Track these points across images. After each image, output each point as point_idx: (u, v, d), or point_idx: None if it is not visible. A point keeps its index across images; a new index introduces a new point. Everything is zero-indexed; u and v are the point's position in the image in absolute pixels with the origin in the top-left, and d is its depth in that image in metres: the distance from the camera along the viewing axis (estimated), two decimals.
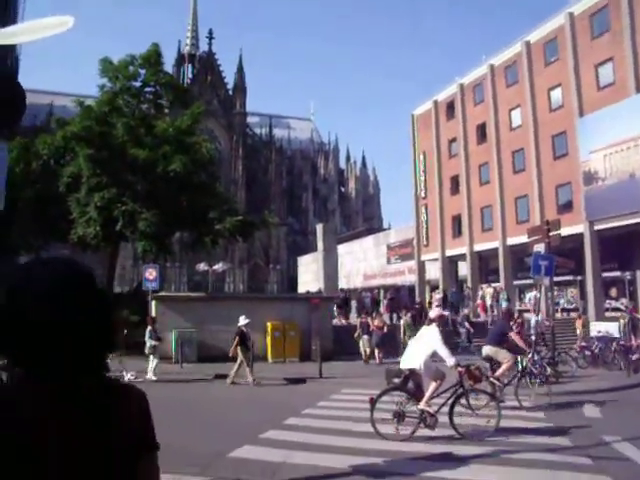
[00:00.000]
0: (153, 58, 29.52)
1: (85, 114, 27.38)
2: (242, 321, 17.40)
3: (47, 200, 27.19)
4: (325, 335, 22.63)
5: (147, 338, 18.48)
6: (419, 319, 23.62)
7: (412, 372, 9.49)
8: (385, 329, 23.07)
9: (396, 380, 9.91)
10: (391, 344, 22.12)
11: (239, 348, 16.80)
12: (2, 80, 5.82)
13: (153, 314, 21.47)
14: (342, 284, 45.42)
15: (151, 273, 22.66)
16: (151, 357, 18.12)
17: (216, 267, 51.66)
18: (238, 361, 16.82)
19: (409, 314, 24.17)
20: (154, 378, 17.40)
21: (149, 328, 18.70)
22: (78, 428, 1.31)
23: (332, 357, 21.45)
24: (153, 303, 22.52)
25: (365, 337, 22.37)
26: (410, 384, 9.57)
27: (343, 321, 29.65)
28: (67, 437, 1.29)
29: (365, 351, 22.15)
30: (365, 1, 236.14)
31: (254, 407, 12.92)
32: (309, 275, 61.24)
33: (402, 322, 23.50)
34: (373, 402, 9.34)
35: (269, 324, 22.73)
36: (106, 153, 25.95)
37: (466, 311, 29.39)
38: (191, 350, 21.54)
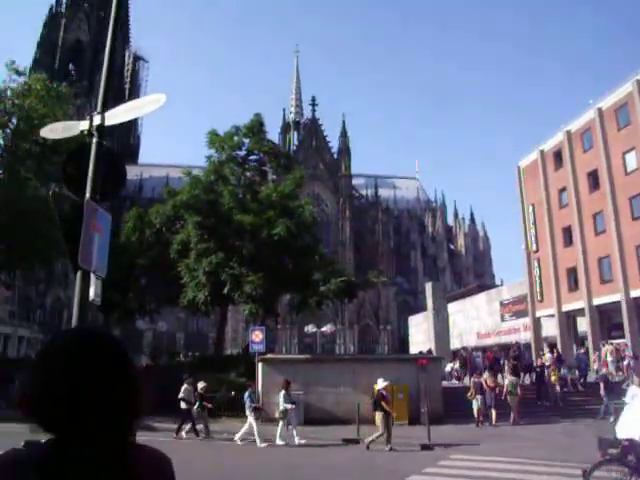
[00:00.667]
0: (256, 127, 30.85)
1: (193, 184, 28.86)
2: (381, 383, 16.80)
3: (160, 266, 28.53)
4: (435, 397, 21.79)
5: (246, 399, 18.01)
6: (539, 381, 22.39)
7: (632, 442, 8.30)
8: (497, 390, 21.99)
9: (613, 451, 8.62)
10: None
11: (378, 412, 16.15)
12: (109, 161, 6.21)
13: (259, 377, 21.50)
14: (455, 343, 43.96)
15: (257, 335, 22.91)
16: (280, 422, 17.45)
17: (324, 329, 51.83)
18: (380, 426, 16.15)
19: (512, 374, 23.17)
20: (281, 442, 16.86)
21: (248, 391, 18.34)
22: None
23: (442, 419, 20.61)
24: (260, 365, 22.68)
25: (479, 397, 21.36)
26: (631, 456, 8.35)
27: (456, 382, 28.49)
28: None
29: (478, 413, 21.12)
30: (463, 60, 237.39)
31: (354, 474, 12.44)
32: (420, 335, 59.89)
33: (506, 382, 22.37)
34: (586, 475, 8.34)
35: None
36: (213, 220, 27.02)
37: (604, 371, 27.17)
38: (297, 412, 21.36)
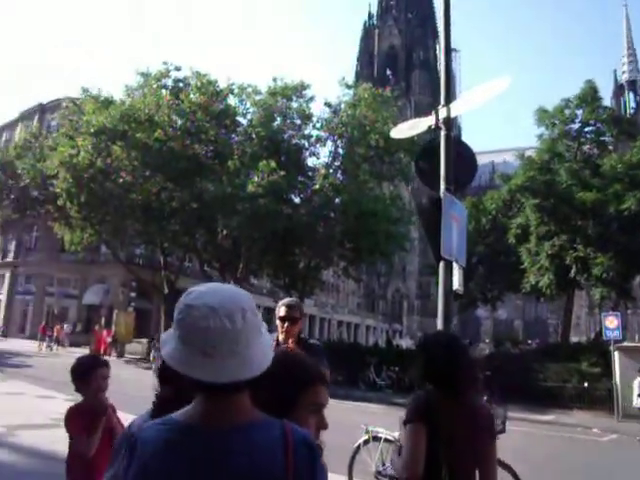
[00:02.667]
0: (589, 96, 28.40)
1: (527, 165, 27.88)
2: None
3: (498, 253, 28.23)
4: None
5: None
6: None
7: None
8: None
9: None
10: None
11: None
12: (464, 152, 6.24)
13: (617, 367, 19.57)
14: None
15: (611, 321, 20.92)
16: None
17: None
18: None
19: None
20: None
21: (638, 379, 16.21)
22: (466, 424, 2.67)
23: None
24: (616, 354, 20.72)
25: None
26: None
27: None
28: (464, 429, 2.65)
29: None
30: None
31: None
32: None
33: None
34: None
35: None
36: (552, 200, 25.69)
37: None
38: None
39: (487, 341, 57.81)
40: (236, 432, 1.37)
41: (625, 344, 22.74)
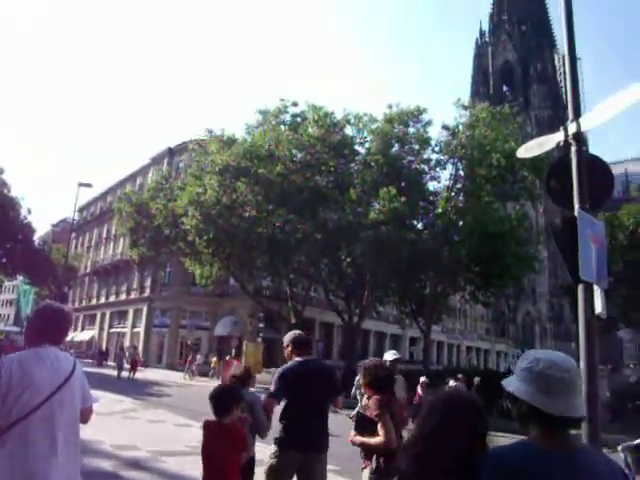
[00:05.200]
0: None
1: None
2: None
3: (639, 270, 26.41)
4: None
5: None
6: None
7: None
8: None
9: None
10: None
11: None
12: (598, 167, 5.92)
13: None
14: None
15: None
16: None
17: None
18: None
19: None
20: None
21: None
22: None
23: None
24: None
25: None
26: None
27: None
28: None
29: None
30: None
31: None
32: None
33: None
34: None
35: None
36: None
37: None
38: None
39: (632, 366, 53.82)
40: (579, 456, 1.96)
41: None
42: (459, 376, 19.42)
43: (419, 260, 26.32)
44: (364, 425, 4.24)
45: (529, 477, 1.86)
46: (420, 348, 44.78)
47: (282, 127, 31.12)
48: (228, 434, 3.89)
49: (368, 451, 4.21)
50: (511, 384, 2.03)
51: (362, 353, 39.32)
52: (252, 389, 6.51)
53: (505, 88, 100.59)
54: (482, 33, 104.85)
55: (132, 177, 57.46)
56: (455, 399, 2.27)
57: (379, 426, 4.07)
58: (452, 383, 17.60)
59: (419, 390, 18.47)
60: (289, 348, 5.19)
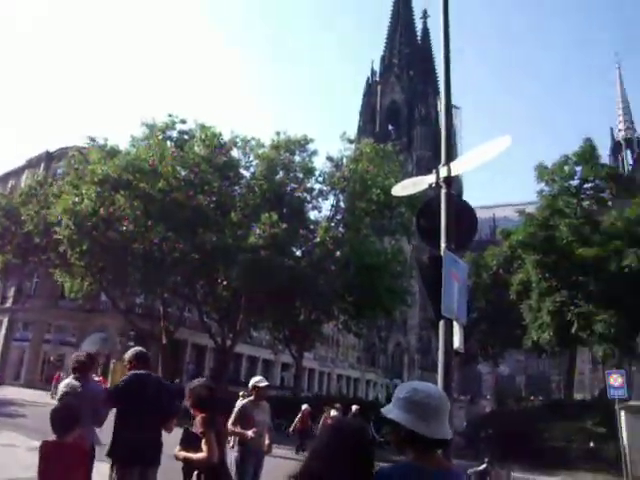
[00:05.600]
0: (588, 153, 28.87)
1: (527, 221, 28.08)
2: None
3: (499, 308, 28.13)
4: None
5: None
6: None
7: None
8: None
9: None
10: None
11: None
12: (465, 210, 6.30)
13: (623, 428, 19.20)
14: None
15: (616, 379, 20.58)
16: None
17: None
18: None
19: None
20: None
21: None
22: None
23: None
24: (622, 414, 20.32)
25: None
26: None
27: None
28: None
29: None
30: None
31: None
32: None
33: None
34: None
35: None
36: (553, 257, 25.79)
37: None
38: None
39: (489, 397, 56.99)
40: (452, 474, 2.28)
41: (631, 403, 22.31)
42: (337, 405, 19.68)
43: (295, 287, 26.55)
44: (189, 441, 4.51)
45: None
46: (292, 374, 44.91)
47: (168, 143, 30.51)
48: (70, 454, 3.69)
49: (190, 466, 4.50)
50: (391, 412, 2.20)
51: (234, 377, 38.81)
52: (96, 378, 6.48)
53: (391, 127, 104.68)
54: (373, 72, 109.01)
55: (3, 179, 53.65)
56: (345, 426, 2.46)
57: (203, 442, 4.37)
58: (333, 412, 17.86)
59: (299, 417, 18.59)
60: (132, 364, 5.35)
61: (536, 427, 22.13)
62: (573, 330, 24.48)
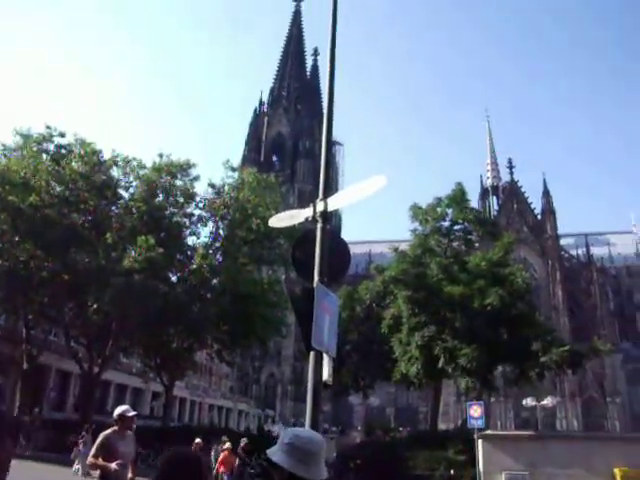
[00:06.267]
0: (459, 197, 30.70)
1: (400, 258, 29.19)
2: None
3: (371, 341, 28.88)
4: None
5: None
6: None
7: None
8: None
9: None
10: None
11: None
12: (339, 245, 6.48)
13: (480, 455, 20.29)
14: None
15: (476, 410, 21.77)
16: None
17: (545, 402, 47.96)
18: None
19: None
20: None
21: None
22: None
23: None
24: (480, 442, 21.44)
25: None
26: None
27: None
28: None
29: None
30: None
31: None
32: None
33: None
34: None
35: (617, 471, 19.27)
36: (423, 293, 26.91)
37: None
38: None
39: (359, 428, 57.87)
40: None
41: (488, 432, 23.62)
42: (223, 438, 19.32)
43: (169, 313, 25.87)
44: None
45: None
46: (162, 403, 43.38)
47: (44, 156, 29.03)
48: None
49: None
50: (275, 454, 2.36)
51: (100, 406, 36.88)
52: None
53: (275, 158, 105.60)
54: (261, 103, 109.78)
55: None
56: (181, 457, 2.72)
57: None
58: (228, 444, 17.61)
59: (220, 459, 17.78)
60: None
61: (402, 456, 22.73)
62: (440, 364, 25.57)
